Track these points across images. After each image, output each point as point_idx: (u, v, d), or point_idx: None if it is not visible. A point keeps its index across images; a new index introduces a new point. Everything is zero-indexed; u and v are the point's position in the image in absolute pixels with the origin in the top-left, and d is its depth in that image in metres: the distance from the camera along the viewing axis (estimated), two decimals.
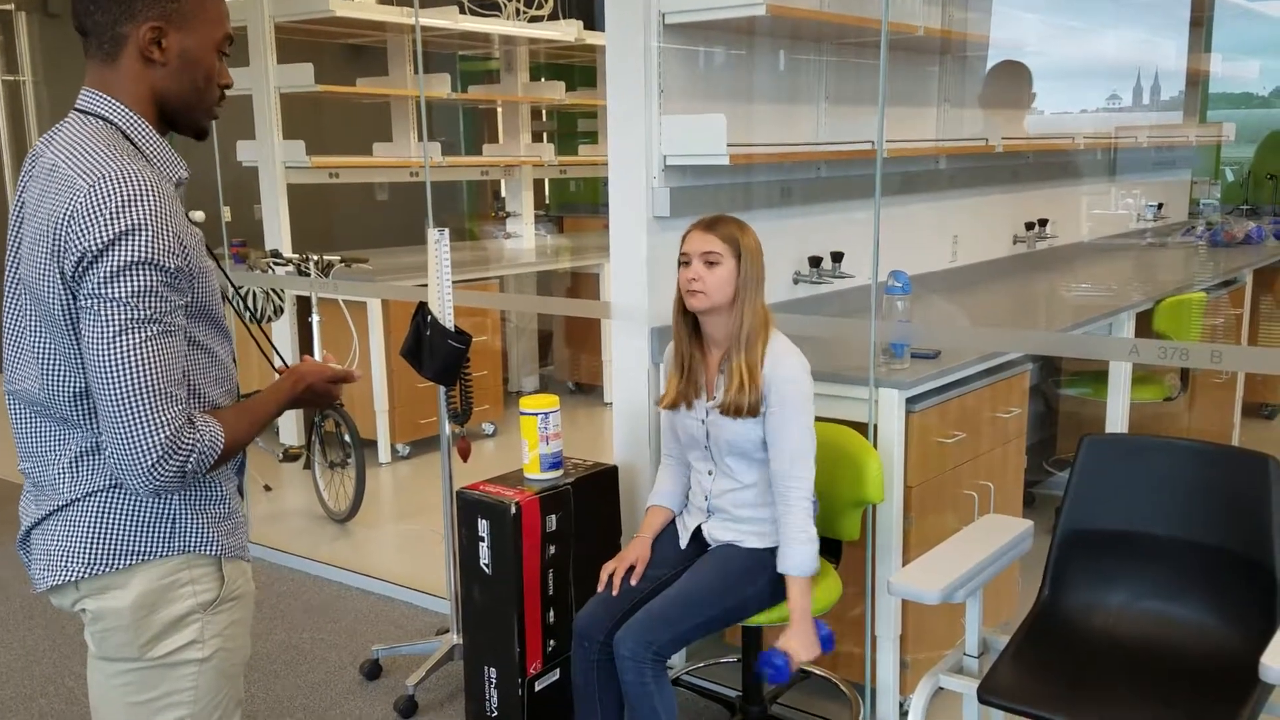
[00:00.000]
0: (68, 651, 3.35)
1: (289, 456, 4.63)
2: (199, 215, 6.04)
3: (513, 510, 2.62)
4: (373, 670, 3.16)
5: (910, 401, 2.67)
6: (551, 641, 2.75)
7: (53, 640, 3.43)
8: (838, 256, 3.40)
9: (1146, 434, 2.29)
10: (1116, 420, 3.76)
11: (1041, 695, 1.95)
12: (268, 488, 4.92)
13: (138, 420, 1.40)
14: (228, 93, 1.62)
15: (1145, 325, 3.85)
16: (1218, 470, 2.16)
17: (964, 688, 2.11)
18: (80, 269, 1.39)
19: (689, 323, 2.40)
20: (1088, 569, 2.26)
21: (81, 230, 1.38)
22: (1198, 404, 4.38)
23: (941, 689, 2.15)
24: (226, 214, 4.38)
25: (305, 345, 5.20)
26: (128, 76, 1.51)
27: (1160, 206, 5.48)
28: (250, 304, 4.35)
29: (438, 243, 2.87)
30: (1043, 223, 4.58)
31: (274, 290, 4.41)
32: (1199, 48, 5.39)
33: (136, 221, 1.39)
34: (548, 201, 7.89)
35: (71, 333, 1.45)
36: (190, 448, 1.43)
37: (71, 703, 3.04)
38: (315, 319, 4.30)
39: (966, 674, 2.18)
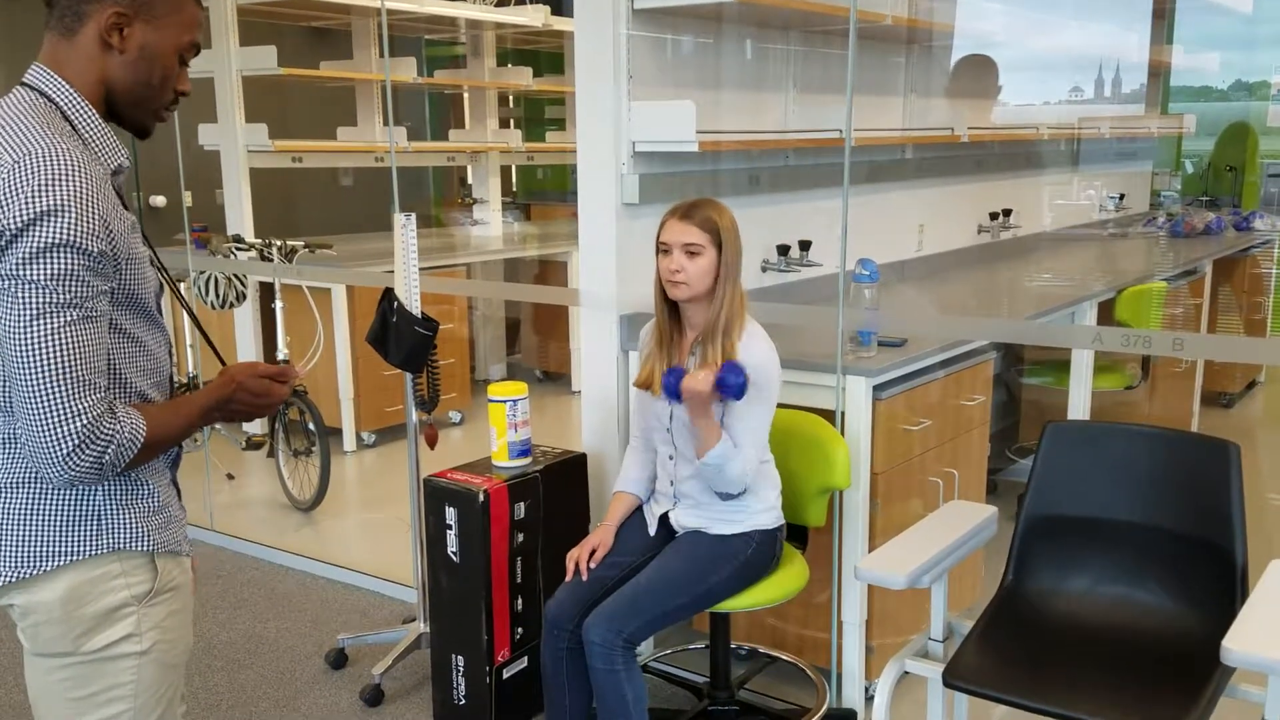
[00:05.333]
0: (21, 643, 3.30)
1: (252, 445, 4.58)
2: (160, 200, 5.95)
3: (481, 498, 2.60)
4: (338, 659, 3.14)
5: (877, 389, 2.69)
6: (519, 629, 2.74)
7: (9, 631, 3.38)
8: (805, 245, 3.40)
9: (1109, 421, 2.32)
10: (1078, 408, 3.81)
11: (1006, 679, 1.98)
12: (230, 476, 4.86)
13: (52, 408, 1.35)
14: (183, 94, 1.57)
15: (1107, 314, 3.89)
16: (1180, 456, 2.19)
17: (929, 672, 2.13)
18: None
19: (668, 305, 2.40)
20: (1051, 554, 2.28)
21: (2, 208, 1.34)
22: (1158, 392, 4.44)
23: (907, 673, 2.16)
24: (188, 198, 4.32)
25: (268, 332, 5.14)
26: (81, 56, 1.47)
27: (1122, 197, 5.55)
28: (212, 290, 4.29)
29: (404, 228, 2.85)
30: (1007, 213, 4.62)
31: (236, 276, 4.35)
32: (1161, 40, 5.45)
33: (58, 202, 1.34)
34: (515, 189, 7.85)
35: None
36: (109, 438, 1.38)
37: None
38: (279, 305, 4.25)
39: (932, 658, 2.20)
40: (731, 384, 2.22)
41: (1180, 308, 4.54)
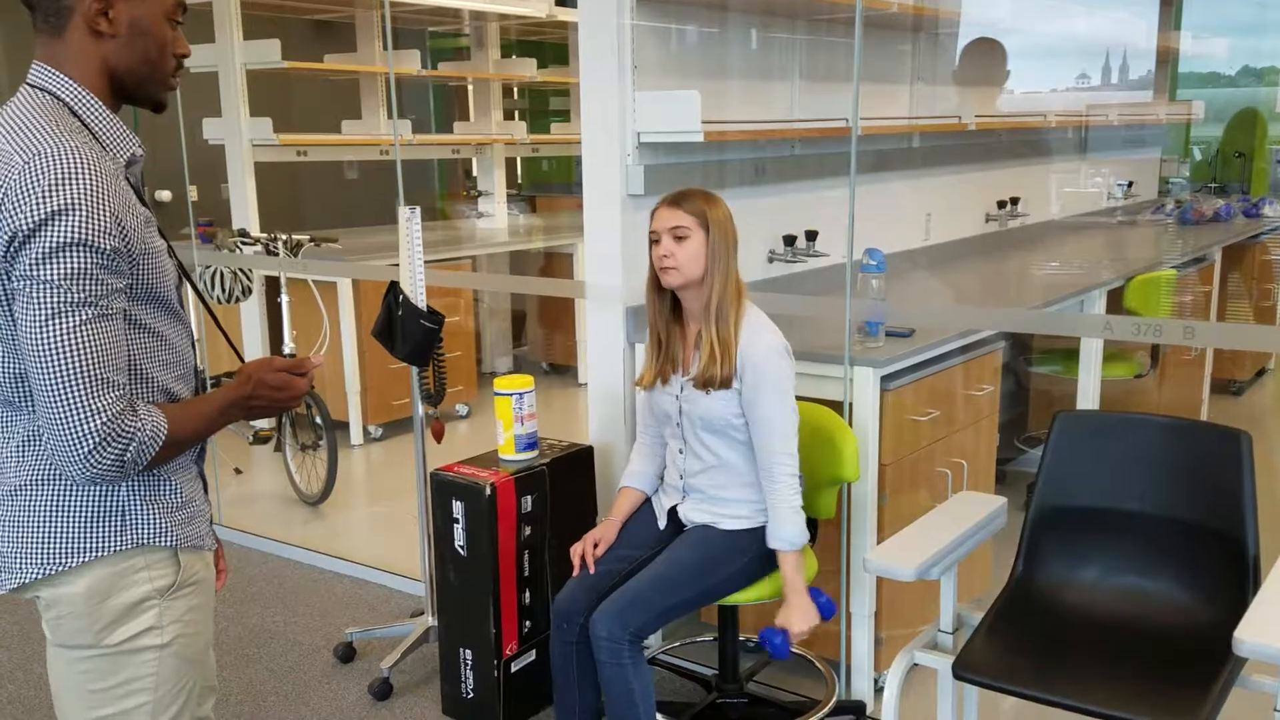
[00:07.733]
0: (35, 637, 3.31)
1: (259, 439, 4.59)
2: (165, 195, 5.95)
3: (488, 491, 2.60)
4: (347, 653, 3.14)
5: (885, 380, 2.67)
6: (527, 623, 2.74)
7: (20, 626, 3.39)
8: (812, 235, 3.39)
9: (1118, 410, 2.30)
10: (1087, 397, 3.79)
11: (1016, 671, 1.96)
12: (238, 470, 4.87)
13: (72, 406, 1.36)
14: (188, 65, 1.56)
15: (1116, 303, 3.87)
16: (1191, 446, 2.18)
17: (939, 664, 2.12)
18: (12, 249, 1.35)
19: (665, 299, 2.38)
20: (1061, 545, 2.27)
21: (14, 209, 1.34)
22: (1167, 381, 4.42)
23: (916, 665, 2.15)
24: (193, 193, 4.31)
25: (274, 326, 5.14)
26: (76, 50, 1.46)
27: (1130, 185, 5.52)
28: (218, 284, 4.29)
29: (409, 221, 2.84)
30: (1014, 201, 4.59)
31: (242, 270, 4.35)
32: (1169, 26, 5.41)
33: (69, 201, 1.34)
34: (520, 180, 7.83)
35: (7, 314, 1.41)
36: (130, 435, 1.39)
37: (40, 688, 3.00)
38: (284, 299, 4.25)
39: (941, 650, 2.19)
40: (824, 605, 2.33)
41: (1189, 295, 4.51)
